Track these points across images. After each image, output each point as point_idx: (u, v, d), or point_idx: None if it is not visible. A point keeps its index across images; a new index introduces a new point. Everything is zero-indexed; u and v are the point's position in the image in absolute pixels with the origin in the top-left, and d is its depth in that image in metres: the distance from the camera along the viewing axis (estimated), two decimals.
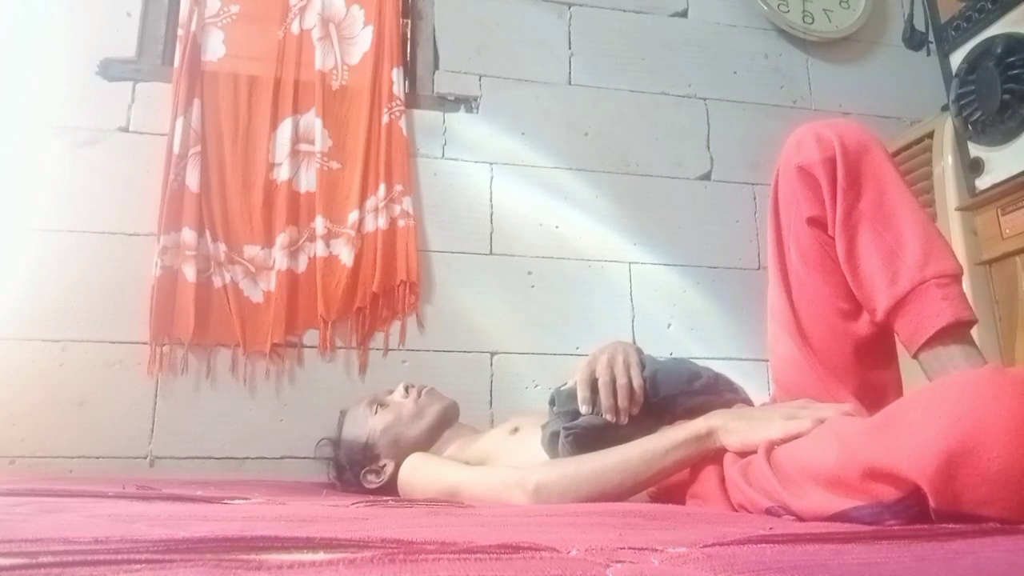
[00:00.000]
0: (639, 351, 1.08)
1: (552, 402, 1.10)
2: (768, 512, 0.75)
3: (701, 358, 1.88)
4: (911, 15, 1.77)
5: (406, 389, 1.40)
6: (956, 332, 0.87)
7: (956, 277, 0.90)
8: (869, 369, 0.98)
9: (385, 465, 1.30)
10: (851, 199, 0.94)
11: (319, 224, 1.78)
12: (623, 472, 0.90)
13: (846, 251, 0.95)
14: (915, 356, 0.91)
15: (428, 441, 1.33)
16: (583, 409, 1.02)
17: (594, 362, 1.06)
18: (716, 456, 0.89)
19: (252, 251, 1.76)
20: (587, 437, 0.99)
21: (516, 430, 1.24)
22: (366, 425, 1.36)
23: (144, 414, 1.64)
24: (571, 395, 1.05)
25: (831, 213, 0.96)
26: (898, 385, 1.01)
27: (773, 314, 1.05)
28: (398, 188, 1.84)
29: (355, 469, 1.33)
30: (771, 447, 0.80)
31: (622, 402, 1.00)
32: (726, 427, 0.87)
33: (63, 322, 1.64)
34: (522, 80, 2.02)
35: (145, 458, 1.62)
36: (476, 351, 1.83)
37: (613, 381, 1.01)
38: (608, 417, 1.00)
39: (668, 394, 1.04)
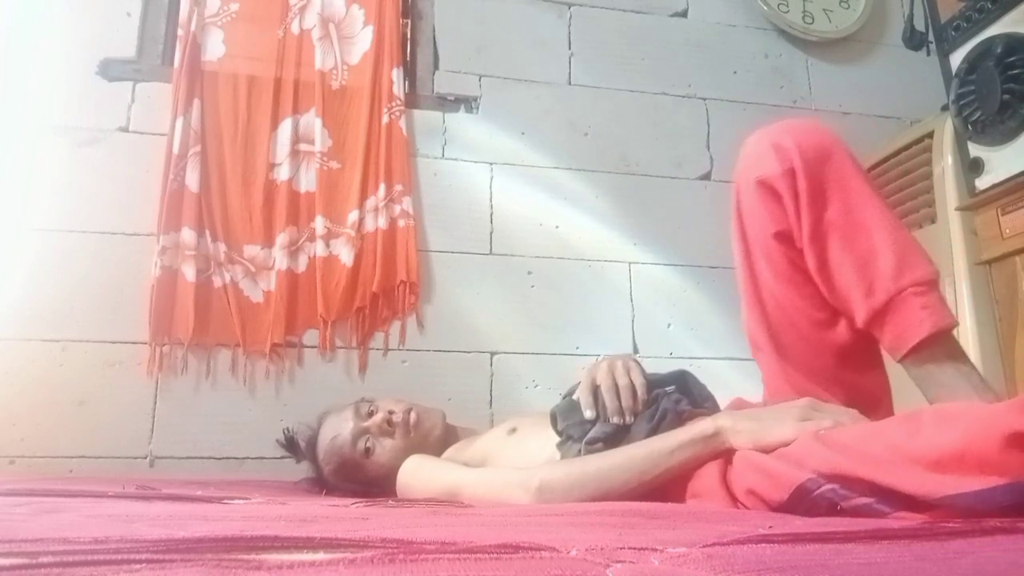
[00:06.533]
0: (638, 363, 1.07)
1: (554, 422, 1.06)
2: (801, 487, 0.72)
3: (701, 358, 1.89)
4: (911, 15, 1.78)
5: (389, 423, 1.27)
6: (939, 338, 0.86)
7: (933, 283, 0.88)
8: (855, 374, 0.97)
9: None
10: (817, 211, 0.91)
11: (319, 224, 1.78)
12: (628, 471, 0.89)
13: (817, 265, 0.92)
14: (899, 362, 0.90)
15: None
16: (587, 414, 1.01)
17: (594, 370, 1.05)
18: (718, 455, 0.88)
19: (252, 251, 1.76)
20: (609, 446, 0.98)
21: (514, 431, 1.23)
22: (363, 472, 1.27)
23: (144, 414, 1.63)
24: (572, 406, 1.04)
25: (797, 226, 0.93)
26: (886, 387, 1.00)
27: (750, 337, 1.03)
28: (398, 188, 1.84)
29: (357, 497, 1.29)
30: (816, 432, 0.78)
31: (625, 402, 1.00)
32: (735, 428, 0.86)
33: (63, 322, 1.64)
34: (522, 80, 2.03)
35: (145, 458, 1.62)
36: (476, 351, 1.83)
37: (615, 385, 1.01)
38: (615, 420, 0.99)
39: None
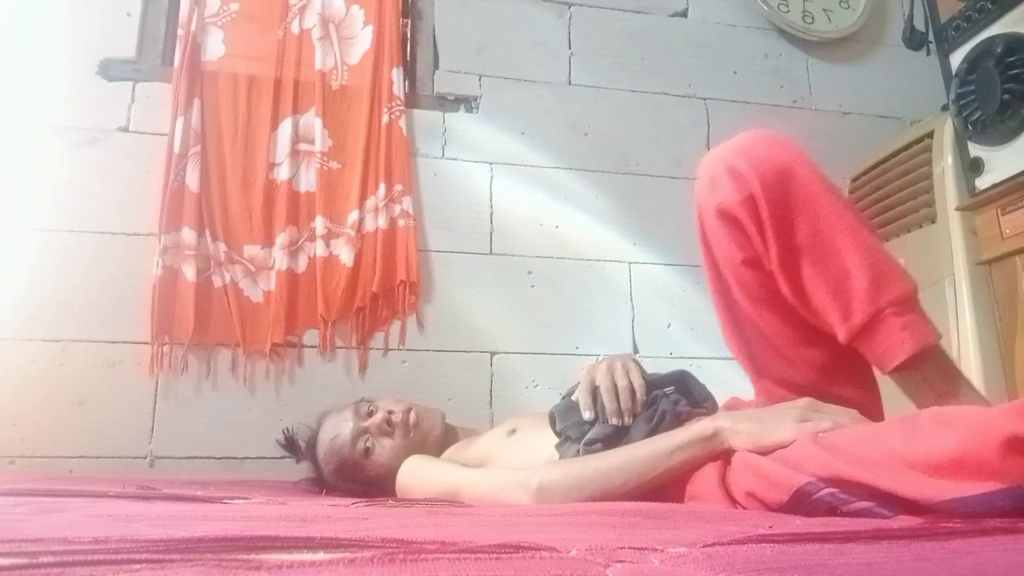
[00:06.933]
0: (638, 363, 1.07)
1: (553, 423, 1.06)
2: (800, 490, 0.72)
3: (701, 358, 1.89)
4: (911, 15, 1.77)
5: (389, 423, 1.28)
6: (923, 355, 0.85)
7: (911, 299, 0.86)
8: (842, 387, 0.94)
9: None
10: (784, 236, 0.87)
11: (319, 224, 1.78)
12: (627, 472, 0.89)
13: (791, 289, 0.90)
14: (887, 375, 0.89)
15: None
16: (586, 415, 1.01)
17: (593, 371, 1.04)
18: (715, 458, 0.87)
19: (252, 251, 1.76)
20: (607, 447, 0.98)
21: (513, 431, 1.23)
22: (363, 472, 1.27)
23: (144, 414, 1.63)
24: (571, 407, 1.04)
25: (764, 253, 0.90)
26: (876, 396, 0.98)
27: (735, 357, 1.03)
28: (398, 188, 1.84)
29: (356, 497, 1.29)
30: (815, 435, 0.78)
31: (624, 403, 0.99)
32: (734, 428, 0.85)
33: (63, 322, 1.64)
34: (522, 80, 2.02)
35: (145, 458, 1.61)
36: (476, 351, 1.83)
37: (614, 386, 1.01)
38: (613, 421, 0.99)
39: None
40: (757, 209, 0.87)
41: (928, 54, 1.74)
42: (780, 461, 0.77)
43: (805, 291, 0.89)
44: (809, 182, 0.87)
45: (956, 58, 1.59)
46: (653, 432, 0.95)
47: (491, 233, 1.91)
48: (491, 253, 1.90)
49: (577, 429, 1.02)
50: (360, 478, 1.28)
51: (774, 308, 0.94)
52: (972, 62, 1.53)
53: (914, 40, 1.78)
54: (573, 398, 1.05)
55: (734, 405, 1.06)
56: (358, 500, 1.10)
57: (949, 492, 0.60)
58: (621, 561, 0.42)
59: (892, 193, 1.79)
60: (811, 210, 0.87)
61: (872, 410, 0.97)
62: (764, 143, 0.90)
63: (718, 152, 0.93)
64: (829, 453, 0.72)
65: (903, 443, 0.67)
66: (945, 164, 1.64)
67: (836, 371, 0.95)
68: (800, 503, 0.73)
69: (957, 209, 1.60)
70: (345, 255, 1.78)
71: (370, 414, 1.30)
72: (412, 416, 1.29)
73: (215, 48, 1.85)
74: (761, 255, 0.90)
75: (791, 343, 0.95)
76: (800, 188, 0.87)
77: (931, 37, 1.73)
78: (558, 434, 1.06)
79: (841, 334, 0.88)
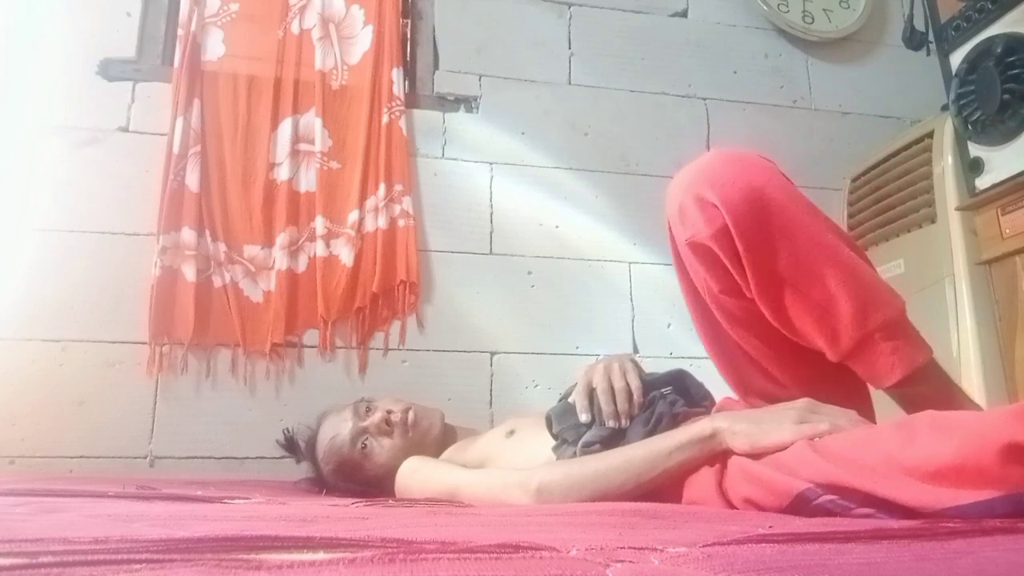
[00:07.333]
0: (636, 363, 1.07)
1: (550, 425, 1.06)
2: (800, 496, 0.72)
3: (701, 358, 1.88)
4: (911, 15, 1.77)
5: (388, 423, 1.28)
6: (915, 374, 0.84)
7: (899, 321, 0.85)
8: (831, 399, 0.92)
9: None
10: (762, 267, 0.84)
11: (319, 224, 1.78)
12: (626, 472, 0.88)
13: (774, 315, 0.87)
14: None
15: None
16: (583, 418, 1.00)
17: (591, 372, 1.04)
18: (713, 460, 0.87)
19: (252, 251, 1.76)
20: (604, 449, 0.98)
21: (512, 432, 1.23)
22: (362, 472, 1.27)
23: (144, 414, 1.63)
24: (567, 409, 1.04)
25: (744, 283, 0.87)
26: (868, 404, 0.97)
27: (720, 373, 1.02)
28: (398, 188, 1.84)
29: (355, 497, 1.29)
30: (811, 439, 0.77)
31: (621, 405, 0.99)
32: (732, 429, 0.84)
33: (63, 322, 1.64)
34: (522, 80, 2.02)
35: (145, 458, 1.61)
36: (476, 351, 1.83)
37: (611, 388, 1.00)
38: (610, 423, 0.98)
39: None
40: (732, 241, 0.84)
41: (928, 54, 1.74)
42: (776, 466, 0.77)
43: (789, 318, 0.87)
44: (784, 207, 0.84)
45: (956, 58, 1.59)
46: (650, 434, 0.94)
47: (491, 233, 1.91)
48: (491, 253, 1.90)
49: (574, 432, 1.02)
50: (359, 478, 1.28)
51: (757, 332, 0.93)
52: (972, 62, 1.53)
53: (914, 40, 1.78)
54: (570, 400, 1.04)
55: (727, 405, 1.06)
56: (358, 500, 1.10)
57: (948, 500, 0.60)
58: (621, 561, 0.42)
59: (892, 193, 1.79)
60: (788, 236, 0.83)
61: (864, 417, 0.97)
62: (732, 167, 0.85)
63: (685, 178, 0.88)
64: (826, 459, 0.72)
65: (900, 448, 0.66)
66: (945, 164, 1.64)
67: (824, 386, 0.93)
68: (799, 509, 0.72)
69: (957, 209, 1.60)
70: (345, 255, 1.78)
71: (369, 414, 1.30)
72: (411, 416, 1.29)
73: (215, 48, 1.85)
74: (740, 285, 0.88)
75: (776, 364, 0.95)
76: (775, 214, 0.83)
77: (931, 37, 1.73)
78: (555, 436, 1.06)
79: (829, 356, 0.87)
